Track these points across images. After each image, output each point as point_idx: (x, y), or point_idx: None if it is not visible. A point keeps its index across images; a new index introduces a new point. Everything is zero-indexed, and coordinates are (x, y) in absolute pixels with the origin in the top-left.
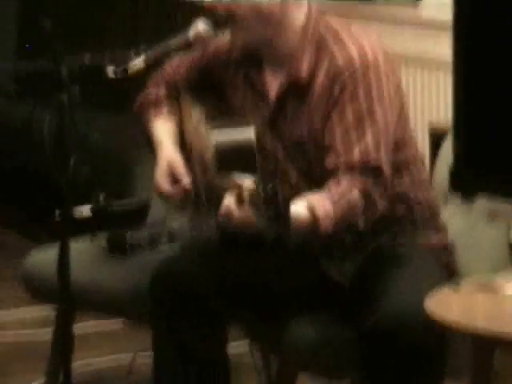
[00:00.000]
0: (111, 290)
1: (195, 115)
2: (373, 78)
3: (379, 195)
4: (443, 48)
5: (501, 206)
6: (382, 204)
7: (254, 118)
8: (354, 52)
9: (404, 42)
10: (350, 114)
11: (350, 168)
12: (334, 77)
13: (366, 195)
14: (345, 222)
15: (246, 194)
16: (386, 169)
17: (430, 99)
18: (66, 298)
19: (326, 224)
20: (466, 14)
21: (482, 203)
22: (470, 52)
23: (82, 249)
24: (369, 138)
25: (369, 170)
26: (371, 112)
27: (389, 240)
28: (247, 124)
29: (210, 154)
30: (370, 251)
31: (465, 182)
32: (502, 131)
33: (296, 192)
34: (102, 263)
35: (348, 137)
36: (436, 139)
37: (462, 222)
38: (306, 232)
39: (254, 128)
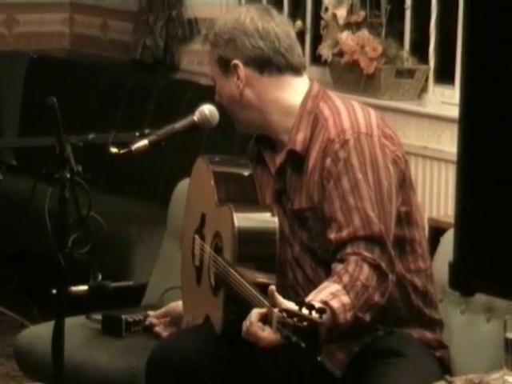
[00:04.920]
0: (105, 371)
1: (220, 192)
2: (365, 146)
3: (386, 264)
4: (446, 142)
5: (498, 302)
6: (391, 274)
7: (267, 195)
8: (346, 123)
9: (407, 133)
10: (345, 183)
11: (354, 239)
12: (326, 149)
13: (376, 267)
14: (364, 305)
15: (274, 320)
16: (388, 233)
17: (431, 193)
18: (59, 377)
19: (345, 315)
20: (473, 110)
21: (480, 299)
22: (475, 148)
23: (77, 327)
24: (367, 203)
25: (373, 237)
26: (366, 179)
27: (385, 333)
28: (272, 213)
29: (229, 236)
30: (366, 343)
31: (464, 280)
32: (504, 233)
33: (310, 279)
34: (96, 343)
35: (346, 204)
36: (436, 234)
37: (460, 319)
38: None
39: (278, 218)
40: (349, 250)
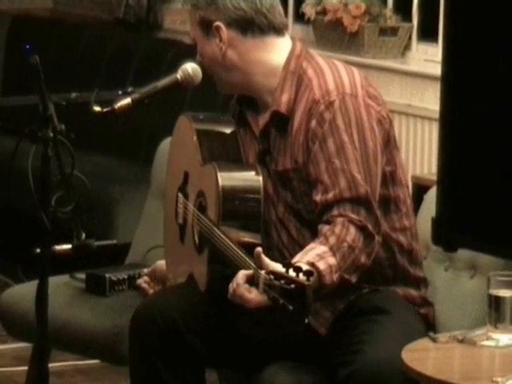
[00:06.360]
0: (89, 330)
1: (203, 150)
2: (351, 107)
3: (373, 225)
4: (429, 99)
5: (481, 259)
6: (377, 235)
7: (250, 155)
8: (331, 84)
9: (390, 91)
10: (331, 145)
11: (340, 201)
12: (311, 110)
13: (363, 229)
14: (351, 266)
15: (261, 282)
16: (374, 194)
17: (415, 150)
18: (43, 336)
19: (331, 277)
20: (456, 68)
21: (464, 256)
22: (458, 106)
23: (60, 286)
24: (353, 164)
25: (359, 198)
26: (352, 140)
27: (370, 290)
28: (256, 172)
29: (213, 195)
30: (351, 301)
31: (447, 236)
32: (487, 188)
33: (295, 238)
34: (80, 302)
35: (332, 166)
36: (419, 192)
37: (444, 276)
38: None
39: (262, 178)
40: (335, 211)
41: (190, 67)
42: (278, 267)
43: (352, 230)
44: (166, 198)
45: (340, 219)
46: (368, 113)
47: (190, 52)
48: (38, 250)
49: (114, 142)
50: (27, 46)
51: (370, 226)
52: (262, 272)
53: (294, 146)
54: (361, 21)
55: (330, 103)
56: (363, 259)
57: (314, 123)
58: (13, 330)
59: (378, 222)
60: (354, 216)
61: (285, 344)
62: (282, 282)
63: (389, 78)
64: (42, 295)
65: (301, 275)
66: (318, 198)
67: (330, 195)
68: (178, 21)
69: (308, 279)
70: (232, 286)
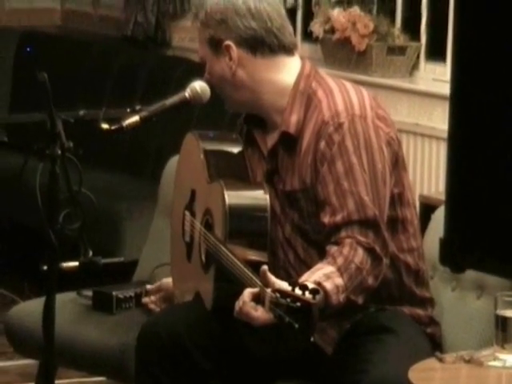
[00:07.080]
0: (95, 348)
1: (210, 168)
2: (360, 129)
3: (380, 248)
4: (437, 119)
5: (488, 279)
6: (385, 257)
7: (257, 174)
8: (340, 106)
9: (398, 111)
10: (340, 167)
11: (348, 223)
12: (320, 131)
13: (371, 251)
14: (358, 288)
15: (267, 300)
16: (382, 217)
17: (422, 170)
18: (49, 353)
19: (338, 297)
20: (464, 87)
21: (471, 276)
22: (466, 125)
23: (67, 304)
24: (361, 186)
25: (367, 221)
26: (361, 162)
27: (376, 310)
28: (263, 190)
29: (220, 213)
30: (357, 320)
31: (455, 257)
32: (496, 209)
33: (301, 257)
34: (87, 319)
35: (340, 188)
36: (427, 211)
37: (450, 296)
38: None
39: (269, 196)
40: (343, 233)
41: (199, 85)
42: (284, 285)
43: (360, 251)
44: (172, 216)
45: (348, 240)
46: (377, 134)
47: (198, 70)
48: (45, 267)
49: (122, 160)
50: (28, 49)
51: (377, 249)
52: (268, 290)
53: (302, 166)
54: (369, 40)
55: (339, 125)
56: (370, 281)
57: (322, 144)
58: (19, 347)
59: (385, 245)
60: (361, 238)
61: (290, 362)
62: (288, 300)
63: (397, 97)
64: (48, 312)
65: (307, 293)
66: (326, 219)
67: (339, 217)
68: (186, 38)
69: (314, 297)
70: (238, 304)
